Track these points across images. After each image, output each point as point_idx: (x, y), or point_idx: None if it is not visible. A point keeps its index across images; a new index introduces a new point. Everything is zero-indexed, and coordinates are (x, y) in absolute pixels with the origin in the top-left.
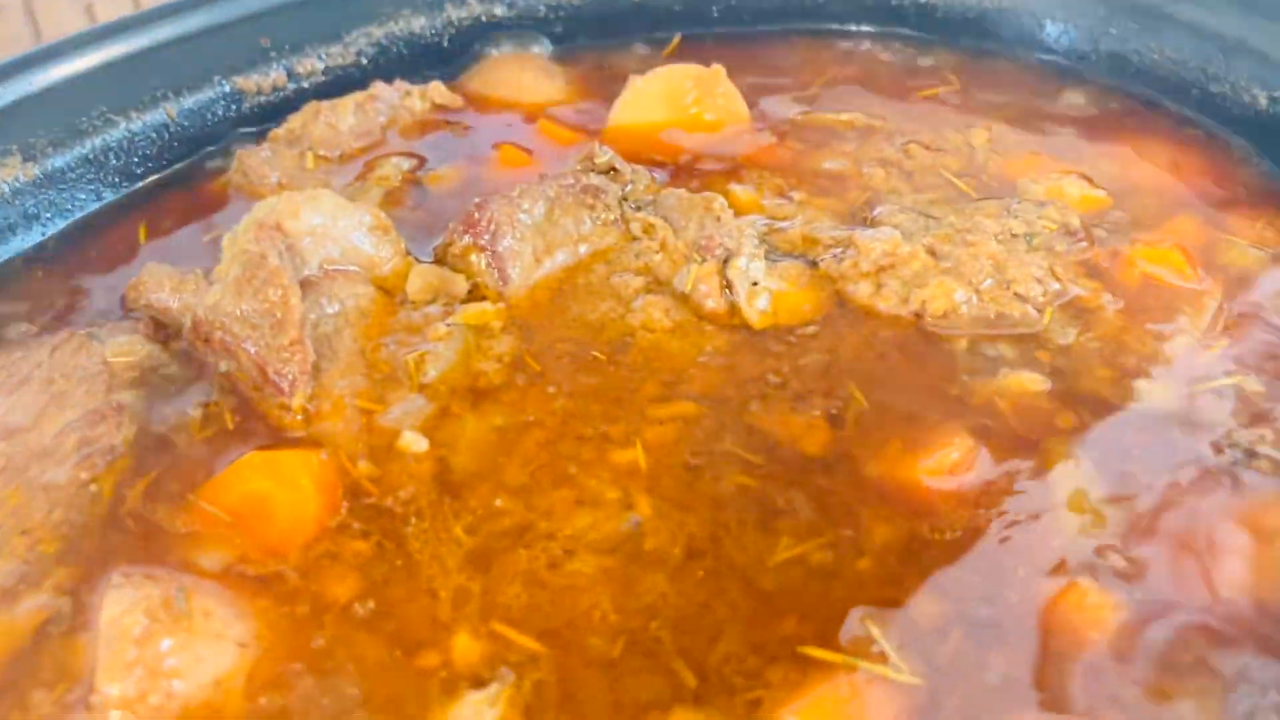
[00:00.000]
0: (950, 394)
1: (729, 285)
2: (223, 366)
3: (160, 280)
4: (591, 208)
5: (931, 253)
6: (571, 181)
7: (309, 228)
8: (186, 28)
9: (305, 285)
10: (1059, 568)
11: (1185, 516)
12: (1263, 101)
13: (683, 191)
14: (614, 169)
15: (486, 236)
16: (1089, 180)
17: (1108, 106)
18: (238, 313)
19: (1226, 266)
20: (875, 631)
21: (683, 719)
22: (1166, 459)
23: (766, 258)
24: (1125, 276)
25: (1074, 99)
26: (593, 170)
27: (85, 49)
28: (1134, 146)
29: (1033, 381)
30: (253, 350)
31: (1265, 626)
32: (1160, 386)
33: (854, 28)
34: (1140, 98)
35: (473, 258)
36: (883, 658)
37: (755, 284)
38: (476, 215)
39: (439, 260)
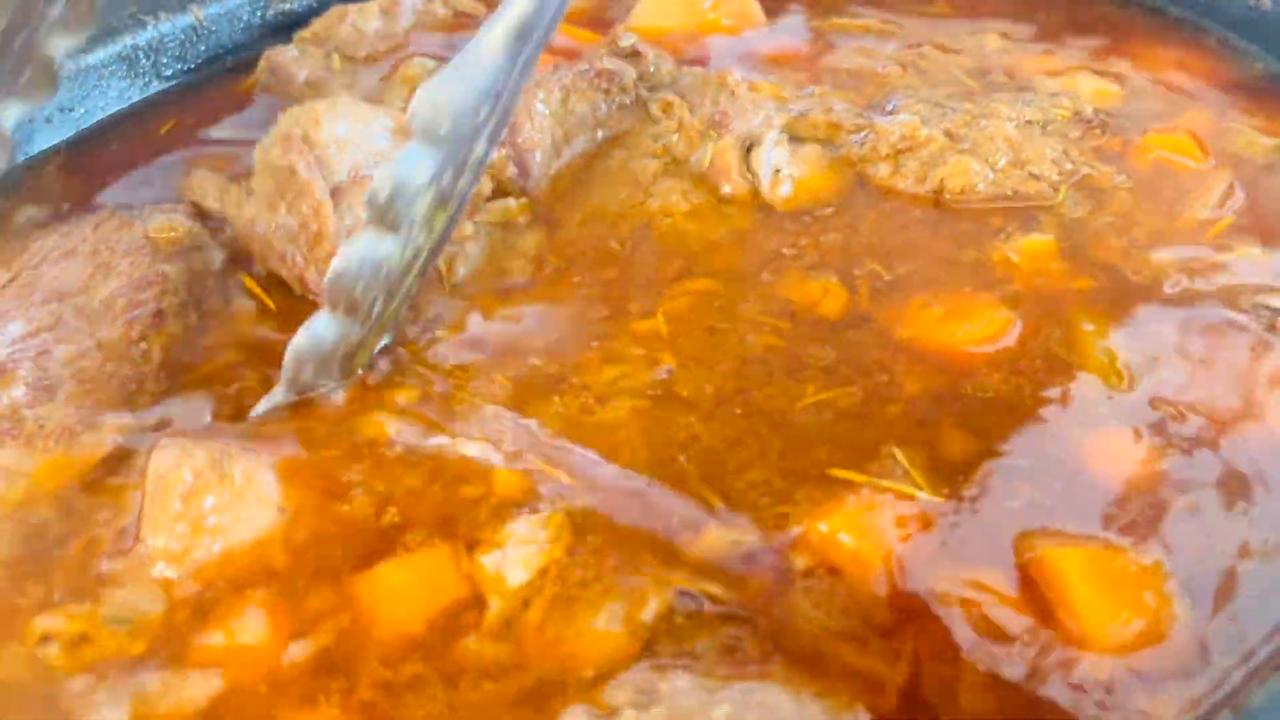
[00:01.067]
0: (969, 260)
1: (752, 172)
2: (263, 270)
3: (205, 188)
4: (606, 92)
5: (949, 135)
6: (585, 67)
7: (333, 136)
8: None
9: (336, 194)
10: (1092, 418)
11: (1215, 373)
12: (1266, 3)
13: (699, 69)
14: (636, 52)
15: (505, 131)
16: (1101, 75)
17: (1117, 12)
18: (274, 225)
19: (1236, 152)
20: (901, 457)
21: (715, 535)
22: (1188, 321)
23: (789, 143)
24: (1138, 161)
25: (1080, 6)
26: (615, 54)
27: None
28: (1144, 48)
29: (1047, 245)
30: (290, 261)
31: None
32: (1173, 256)
33: None
34: (1148, 4)
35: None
36: (908, 478)
37: (779, 171)
38: None
39: None
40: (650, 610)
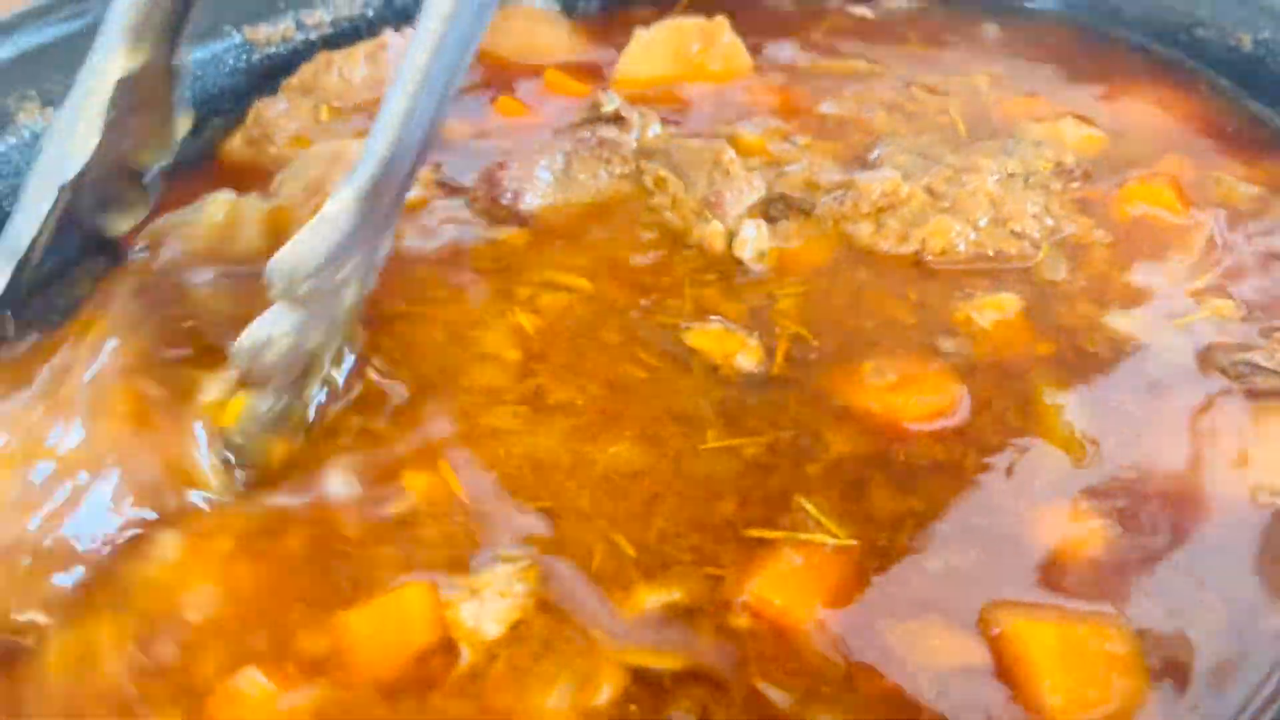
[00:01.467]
0: (929, 324)
1: (735, 259)
2: None
3: None
4: (608, 161)
5: (930, 192)
6: (588, 135)
7: None
8: None
9: None
10: (1049, 489)
11: (1184, 440)
12: (1247, 44)
13: (692, 142)
14: (620, 116)
15: (509, 195)
16: (1085, 120)
17: (1099, 52)
18: None
19: (1216, 202)
20: (809, 507)
21: (644, 592)
22: (1158, 385)
23: (770, 217)
24: (1118, 213)
25: (1065, 44)
26: (599, 119)
27: None
28: (1126, 89)
29: (1013, 308)
30: None
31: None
32: (1147, 316)
33: None
34: (1130, 42)
35: None
36: (820, 527)
37: (762, 255)
38: (499, 174)
39: None
40: (604, 695)
